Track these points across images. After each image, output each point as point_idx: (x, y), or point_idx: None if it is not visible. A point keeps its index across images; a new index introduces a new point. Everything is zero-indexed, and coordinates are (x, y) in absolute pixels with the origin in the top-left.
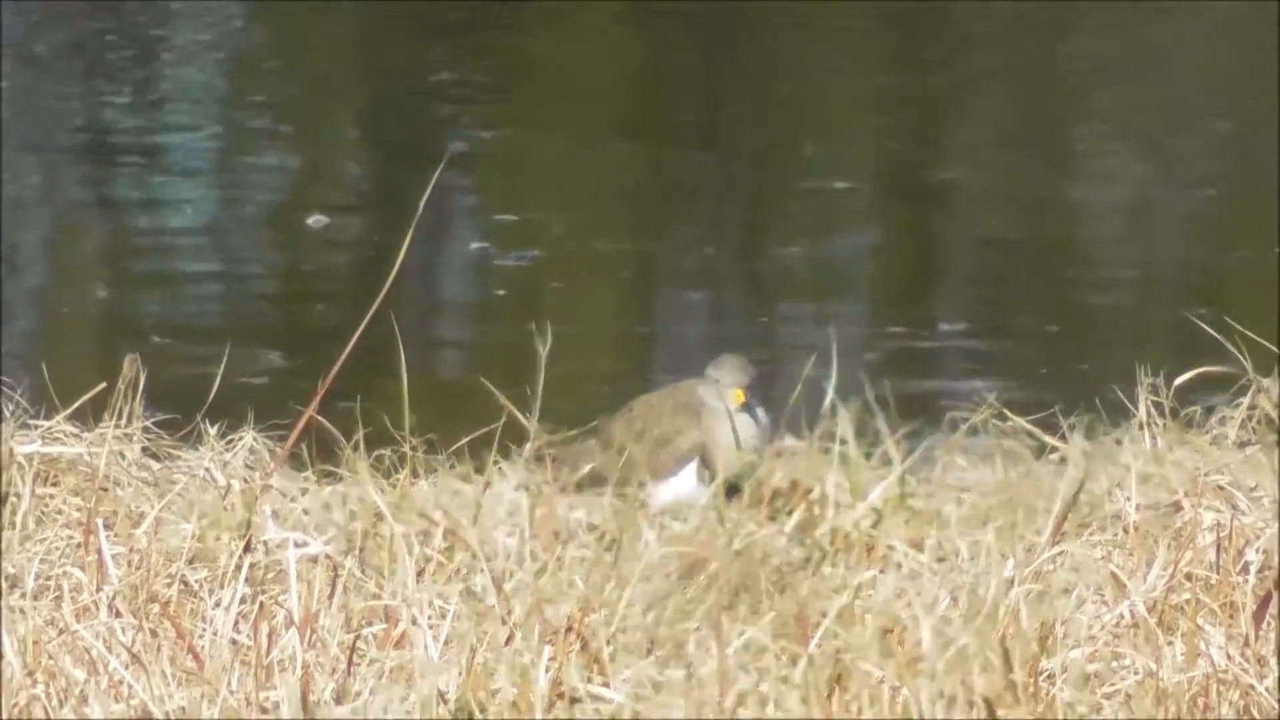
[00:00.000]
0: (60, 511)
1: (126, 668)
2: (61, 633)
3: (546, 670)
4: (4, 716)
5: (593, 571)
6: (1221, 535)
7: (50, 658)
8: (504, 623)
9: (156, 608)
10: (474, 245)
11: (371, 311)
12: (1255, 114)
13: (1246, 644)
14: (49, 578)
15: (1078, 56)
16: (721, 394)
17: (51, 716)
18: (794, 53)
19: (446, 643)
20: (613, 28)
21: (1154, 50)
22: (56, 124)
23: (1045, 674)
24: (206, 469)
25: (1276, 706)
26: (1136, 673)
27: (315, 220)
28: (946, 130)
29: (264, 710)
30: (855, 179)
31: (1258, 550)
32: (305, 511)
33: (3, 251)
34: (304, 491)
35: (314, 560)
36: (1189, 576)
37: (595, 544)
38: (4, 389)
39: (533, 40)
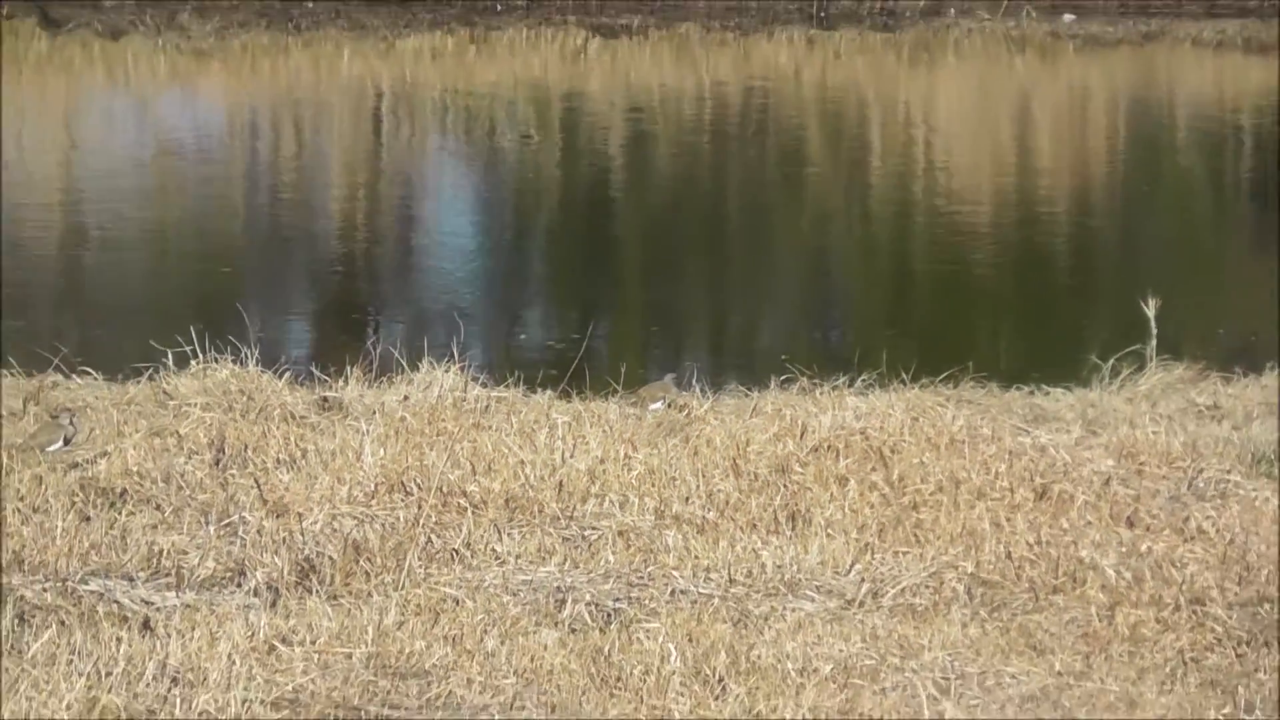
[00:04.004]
0: (497, 412)
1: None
2: (481, 437)
3: (622, 448)
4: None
5: (634, 424)
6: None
7: (495, 450)
8: (614, 438)
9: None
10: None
11: (581, 351)
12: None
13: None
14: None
15: None
16: (667, 382)
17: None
18: None
19: (600, 445)
20: None
21: None
22: None
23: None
24: (536, 399)
25: None
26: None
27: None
28: None
29: (553, 464)
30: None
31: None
32: (563, 410)
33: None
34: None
35: (565, 422)
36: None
37: (635, 416)
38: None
39: None
